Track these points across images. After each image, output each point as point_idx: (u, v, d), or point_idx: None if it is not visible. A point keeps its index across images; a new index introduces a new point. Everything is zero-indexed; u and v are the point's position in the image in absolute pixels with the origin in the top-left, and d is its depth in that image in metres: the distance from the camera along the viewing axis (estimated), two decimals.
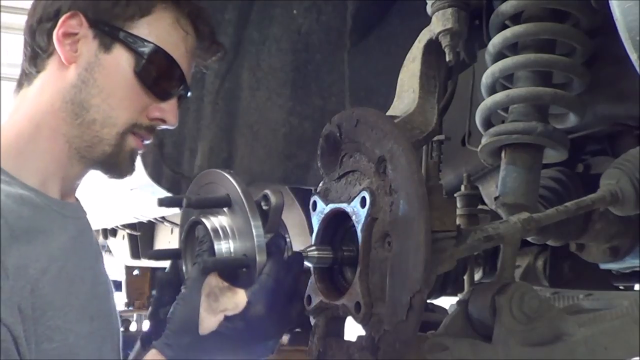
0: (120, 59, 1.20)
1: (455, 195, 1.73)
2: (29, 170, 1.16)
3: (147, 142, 1.28)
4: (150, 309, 1.26)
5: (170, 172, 1.88)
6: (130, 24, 1.20)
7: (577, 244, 1.76)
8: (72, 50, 1.19)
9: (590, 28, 1.33)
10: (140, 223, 3.39)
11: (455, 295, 1.46)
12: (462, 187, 1.75)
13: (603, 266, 1.85)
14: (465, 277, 1.65)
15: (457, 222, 1.23)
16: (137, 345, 1.27)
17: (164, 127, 1.28)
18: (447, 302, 1.60)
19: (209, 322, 1.06)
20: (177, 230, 3.37)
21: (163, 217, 3.14)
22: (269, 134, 2.02)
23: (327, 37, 2.03)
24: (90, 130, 1.19)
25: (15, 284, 1.01)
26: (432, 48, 1.37)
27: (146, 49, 1.20)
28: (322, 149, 1.32)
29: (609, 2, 0.96)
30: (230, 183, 1.16)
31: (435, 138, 1.38)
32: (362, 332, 1.16)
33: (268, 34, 1.98)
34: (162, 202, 1.19)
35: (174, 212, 2.30)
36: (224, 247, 1.15)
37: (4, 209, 1.03)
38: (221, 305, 1.08)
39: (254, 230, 1.11)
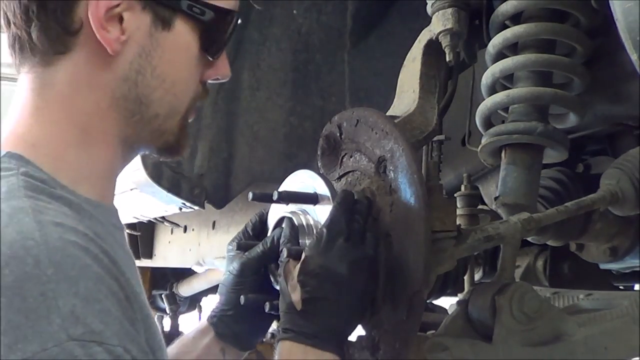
0: (185, 36, 0.96)
1: (455, 195, 1.73)
2: (87, 182, 0.93)
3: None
4: (226, 290, 1.25)
5: (170, 172, 1.88)
6: None
7: (577, 244, 1.76)
8: (118, 33, 0.91)
9: (590, 28, 1.33)
10: (140, 223, 3.39)
11: (455, 295, 1.46)
12: (462, 187, 1.75)
13: (603, 266, 1.85)
14: (465, 277, 1.65)
15: (457, 222, 1.23)
16: (202, 325, 1.28)
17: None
18: (447, 302, 1.60)
19: (297, 297, 1.06)
20: (177, 230, 3.37)
21: (163, 217, 3.14)
22: (269, 134, 2.02)
23: (327, 37, 2.03)
24: (151, 126, 0.98)
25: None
26: (432, 48, 1.37)
27: (210, 16, 0.96)
28: (322, 149, 1.32)
29: (609, 2, 0.96)
30: (319, 183, 1.20)
31: (435, 138, 1.38)
32: (362, 332, 1.16)
33: (268, 34, 1.98)
34: (255, 197, 1.22)
35: (174, 212, 2.30)
36: (308, 242, 1.18)
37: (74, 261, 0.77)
38: (295, 278, 1.07)
39: None
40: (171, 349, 1.26)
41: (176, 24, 0.95)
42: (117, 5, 0.90)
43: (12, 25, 0.91)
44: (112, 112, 0.94)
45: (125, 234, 1.02)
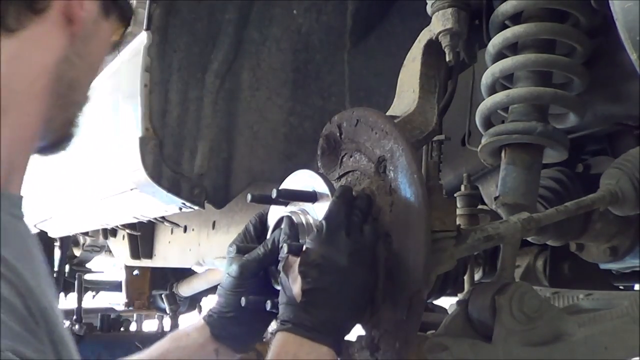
0: (111, 29, 1.00)
1: (455, 195, 1.73)
2: None
3: None
4: (225, 292, 1.25)
5: (170, 172, 1.87)
6: None
7: (577, 244, 1.76)
8: (82, 12, 0.92)
9: (590, 28, 1.33)
10: (140, 223, 3.38)
11: (455, 295, 1.46)
12: (462, 187, 1.75)
13: (603, 266, 1.85)
14: (465, 277, 1.65)
15: (457, 222, 1.23)
16: (198, 324, 1.28)
17: None
18: (447, 302, 1.60)
19: (297, 289, 1.07)
20: (177, 230, 3.37)
21: (163, 217, 3.14)
22: (269, 134, 2.02)
23: (327, 37, 2.03)
24: (67, 113, 0.97)
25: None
26: (432, 48, 1.37)
27: (128, 16, 1.02)
28: (322, 149, 1.32)
29: (609, 2, 0.96)
30: (319, 181, 1.21)
31: (435, 138, 1.38)
32: (362, 332, 1.16)
33: (268, 34, 1.98)
34: (253, 199, 1.24)
35: (174, 212, 2.30)
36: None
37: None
38: (295, 271, 1.09)
39: None
40: (162, 343, 1.26)
41: (111, 15, 0.98)
42: None
43: None
44: (44, 94, 0.91)
45: (27, 224, 0.94)
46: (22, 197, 0.91)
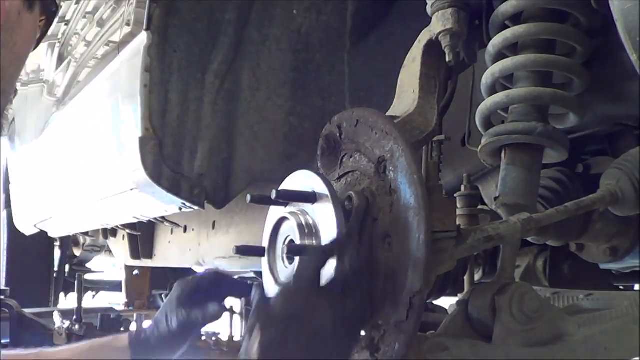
0: (35, 22, 1.02)
1: (455, 195, 1.73)
2: None
3: None
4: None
5: (170, 172, 1.87)
6: None
7: (577, 244, 1.76)
8: (5, 3, 0.96)
9: (590, 28, 1.33)
10: (140, 223, 3.38)
11: (455, 295, 1.45)
12: (462, 187, 1.75)
13: (603, 266, 1.85)
14: (465, 277, 1.65)
15: (457, 222, 1.23)
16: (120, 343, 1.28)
17: None
18: (447, 302, 1.60)
19: (255, 347, 1.00)
20: (177, 230, 3.37)
21: (163, 217, 3.14)
22: (269, 134, 2.02)
23: (327, 37, 2.03)
24: None
25: None
26: (432, 48, 1.37)
27: (53, 10, 1.06)
28: (322, 149, 1.32)
29: (609, 2, 0.96)
30: (318, 182, 1.21)
31: (435, 138, 1.37)
32: (362, 333, 1.16)
33: (268, 34, 1.98)
34: (253, 200, 1.24)
35: (174, 212, 2.30)
36: (308, 242, 1.19)
37: None
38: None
39: (336, 229, 1.14)
40: (82, 345, 1.25)
41: (36, 7, 1.00)
42: None
43: None
44: None
45: None
46: None
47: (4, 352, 1.23)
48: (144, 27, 1.80)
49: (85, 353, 1.24)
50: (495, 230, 1.20)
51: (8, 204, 4.54)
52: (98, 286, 6.20)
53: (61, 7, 1.05)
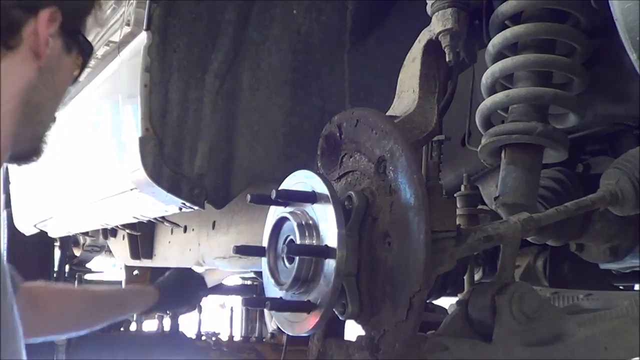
0: (74, 62, 1.18)
1: (455, 195, 1.73)
2: None
3: None
4: None
5: (170, 172, 1.87)
6: (82, 24, 1.18)
7: (577, 244, 1.75)
8: (48, 50, 1.09)
9: (590, 28, 1.33)
10: (140, 223, 3.38)
11: (455, 295, 1.45)
12: (462, 187, 1.75)
13: (603, 266, 1.85)
14: (465, 277, 1.65)
15: (457, 222, 1.23)
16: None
17: None
18: (447, 302, 1.60)
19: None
20: (177, 230, 3.37)
21: (163, 217, 3.14)
22: (269, 134, 2.02)
23: (327, 37, 2.03)
24: (33, 130, 1.15)
25: None
26: (432, 48, 1.37)
27: (88, 51, 1.20)
28: (322, 149, 1.32)
29: (609, 2, 0.96)
30: (317, 182, 1.21)
31: (435, 138, 1.38)
32: (362, 332, 1.16)
33: (268, 34, 1.98)
34: (253, 199, 1.27)
35: (174, 212, 2.30)
36: (307, 242, 1.19)
37: None
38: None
39: (336, 228, 1.14)
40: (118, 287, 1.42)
41: (73, 51, 1.16)
42: (51, 32, 1.10)
43: None
44: (15, 114, 1.07)
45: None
46: None
47: (60, 284, 1.43)
48: (144, 27, 1.80)
49: (124, 290, 1.47)
50: (495, 230, 1.20)
51: (8, 204, 4.53)
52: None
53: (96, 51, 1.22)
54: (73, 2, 1.12)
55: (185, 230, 3.27)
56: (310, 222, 1.20)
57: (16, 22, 1.04)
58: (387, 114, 1.36)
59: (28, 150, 1.16)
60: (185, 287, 1.85)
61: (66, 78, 1.17)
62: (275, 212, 1.31)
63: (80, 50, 1.17)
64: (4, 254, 1.06)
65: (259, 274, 3.34)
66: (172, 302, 1.83)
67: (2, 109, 1.04)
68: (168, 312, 1.80)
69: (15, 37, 1.04)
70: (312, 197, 1.20)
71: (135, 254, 3.86)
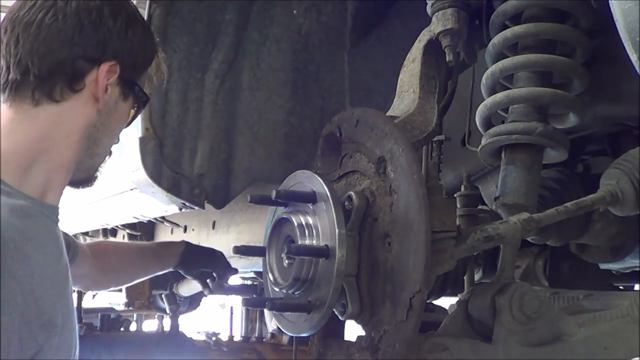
0: (129, 108, 1.35)
1: (455, 195, 1.73)
2: (30, 184, 1.23)
3: None
4: None
5: (170, 172, 1.87)
6: (140, 77, 1.35)
7: (577, 244, 1.75)
8: (106, 96, 1.29)
9: (590, 28, 1.33)
10: (140, 223, 3.38)
11: (455, 295, 1.46)
12: (462, 187, 1.75)
13: (603, 266, 1.85)
14: (465, 277, 1.65)
15: (457, 222, 1.23)
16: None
17: None
18: (447, 302, 1.60)
19: None
20: (177, 230, 3.37)
21: (163, 217, 3.14)
22: (269, 134, 2.02)
23: (327, 37, 2.03)
24: (92, 160, 1.34)
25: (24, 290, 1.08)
26: (432, 48, 1.37)
27: (143, 100, 1.36)
28: (322, 149, 1.32)
29: (609, 2, 0.96)
30: (317, 182, 1.22)
31: (435, 138, 1.38)
32: (362, 332, 1.16)
33: (268, 34, 1.98)
34: (253, 199, 1.32)
35: (174, 212, 2.30)
36: (307, 242, 1.20)
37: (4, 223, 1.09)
38: None
39: (336, 228, 1.15)
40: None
41: (129, 98, 1.33)
42: (109, 81, 1.28)
43: (10, 69, 1.20)
44: (77, 145, 1.27)
45: (60, 227, 1.30)
46: (57, 207, 1.28)
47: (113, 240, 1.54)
48: None
49: (158, 244, 1.70)
50: (495, 230, 1.20)
51: None
52: None
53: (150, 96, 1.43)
54: (132, 57, 1.30)
55: (185, 230, 3.27)
56: (310, 222, 1.20)
57: (80, 71, 1.24)
58: (387, 114, 1.36)
59: (85, 177, 1.36)
60: (209, 252, 2.00)
61: (121, 120, 1.35)
62: (275, 212, 1.31)
63: (136, 98, 1.35)
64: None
65: (259, 274, 3.34)
66: (198, 260, 1.95)
67: (67, 140, 1.25)
68: (193, 270, 1.94)
69: (79, 83, 1.24)
70: (312, 198, 1.20)
71: None
